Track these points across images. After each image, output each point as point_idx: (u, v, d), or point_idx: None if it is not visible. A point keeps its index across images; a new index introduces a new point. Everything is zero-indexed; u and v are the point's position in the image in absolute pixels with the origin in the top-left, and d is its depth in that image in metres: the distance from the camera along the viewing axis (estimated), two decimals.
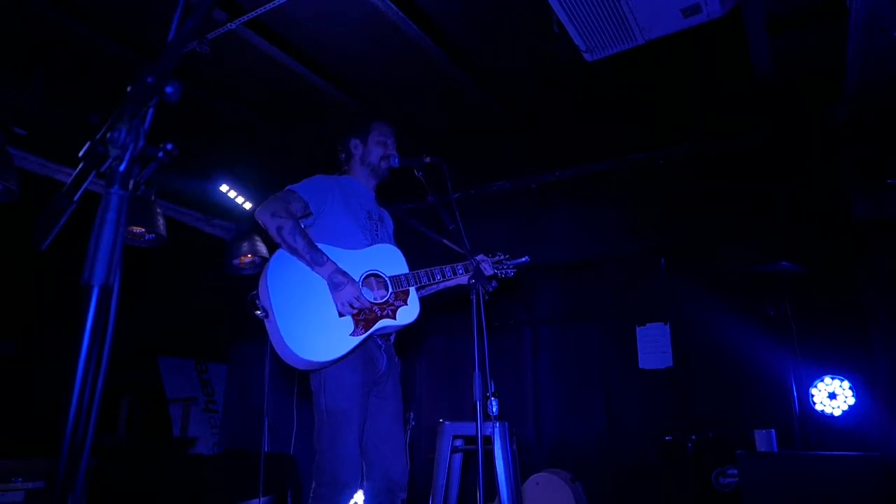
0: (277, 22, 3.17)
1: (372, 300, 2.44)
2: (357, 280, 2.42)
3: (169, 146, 0.90)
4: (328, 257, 2.37)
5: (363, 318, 2.40)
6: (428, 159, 2.58)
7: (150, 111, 0.89)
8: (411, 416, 5.06)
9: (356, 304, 2.35)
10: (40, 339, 4.21)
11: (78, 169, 0.93)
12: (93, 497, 3.44)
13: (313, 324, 2.31)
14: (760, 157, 4.11)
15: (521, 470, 4.34)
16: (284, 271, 2.36)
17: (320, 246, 2.41)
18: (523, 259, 2.87)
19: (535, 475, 4.09)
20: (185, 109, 3.71)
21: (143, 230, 4.26)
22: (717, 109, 3.99)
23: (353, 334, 2.35)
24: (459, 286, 2.73)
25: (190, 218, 5.32)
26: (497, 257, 2.83)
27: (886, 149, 3.51)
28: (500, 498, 3.94)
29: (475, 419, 2.25)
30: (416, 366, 5.27)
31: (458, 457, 4.44)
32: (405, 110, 4.11)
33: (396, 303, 2.50)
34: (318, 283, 2.37)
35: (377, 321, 2.42)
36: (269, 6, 2.89)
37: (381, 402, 2.52)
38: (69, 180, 0.96)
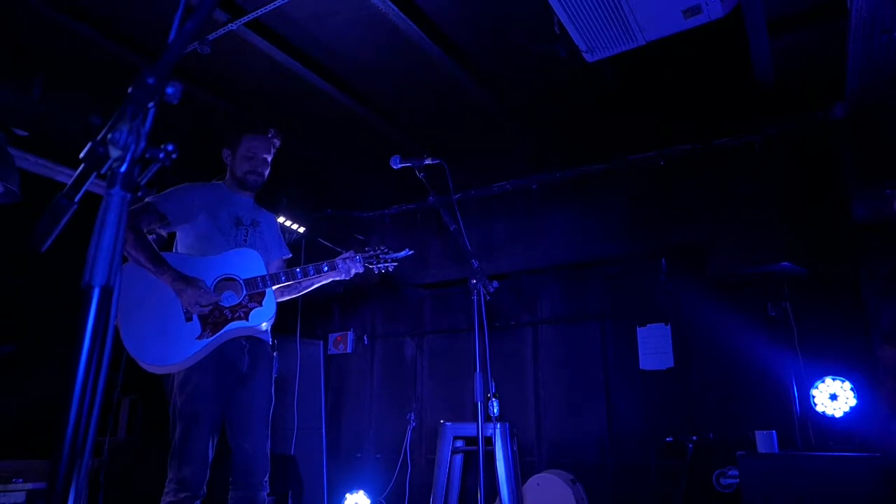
0: (278, 23, 3.18)
1: (222, 302, 2.52)
2: (209, 284, 2.52)
3: (170, 147, 0.90)
4: (169, 265, 2.46)
5: (212, 321, 2.48)
6: (429, 160, 2.58)
7: (151, 112, 0.89)
8: (412, 417, 5.06)
9: (202, 302, 2.45)
10: (42, 339, 4.21)
11: (79, 170, 0.93)
12: (93, 497, 3.44)
13: (156, 329, 2.42)
14: (760, 157, 4.11)
15: (522, 470, 4.34)
16: (132, 280, 2.46)
17: (179, 255, 2.55)
18: (404, 252, 2.79)
19: (536, 476, 4.09)
20: (185, 110, 3.72)
21: None
22: (717, 109, 3.99)
23: (199, 338, 2.45)
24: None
25: None
26: (370, 252, 2.78)
27: (886, 149, 3.50)
28: (500, 499, 3.94)
29: (476, 420, 2.26)
30: (416, 366, 5.27)
31: (458, 457, 4.45)
32: (406, 111, 4.12)
33: (251, 304, 2.57)
34: (165, 291, 2.46)
35: (227, 323, 2.51)
36: (269, 7, 2.90)
37: (245, 402, 2.58)
38: (70, 181, 0.96)
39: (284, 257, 2.94)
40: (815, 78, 3.58)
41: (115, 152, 0.86)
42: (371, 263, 2.76)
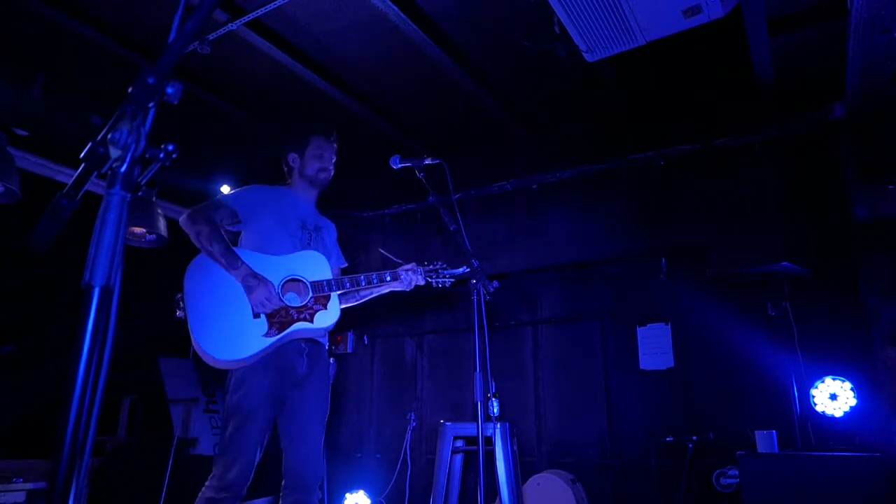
0: (278, 23, 3.18)
1: (288, 303, 2.52)
2: (276, 283, 2.52)
3: (170, 147, 0.90)
4: (243, 261, 2.48)
5: (278, 320, 2.49)
6: (428, 160, 2.59)
7: (151, 112, 0.89)
8: (412, 417, 5.06)
9: (268, 304, 2.46)
10: (42, 339, 4.21)
11: (79, 170, 0.93)
12: (93, 497, 3.44)
13: (225, 323, 2.42)
14: (760, 157, 4.10)
15: (522, 470, 4.34)
16: (202, 274, 2.48)
17: (246, 252, 2.54)
18: (461, 269, 2.81)
19: (536, 476, 4.09)
20: (186, 110, 3.72)
21: (144, 231, 4.26)
22: (717, 109, 4.00)
23: (266, 335, 2.46)
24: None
25: None
26: (430, 266, 2.83)
27: (886, 149, 3.50)
28: (500, 499, 3.94)
29: (476, 420, 2.26)
30: (416, 366, 5.27)
31: (458, 457, 4.44)
32: (406, 111, 4.12)
33: (315, 307, 2.58)
34: (235, 286, 2.47)
35: (293, 324, 2.51)
36: (269, 7, 2.90)
37: (300, 404, 2.56)
38: (70, 181, 0.96)
39: (341, 266, 2.95)
40: (815, 78, 3.59)
41: (115, 152, 0.86)
42: (431, 278, 2.80)
